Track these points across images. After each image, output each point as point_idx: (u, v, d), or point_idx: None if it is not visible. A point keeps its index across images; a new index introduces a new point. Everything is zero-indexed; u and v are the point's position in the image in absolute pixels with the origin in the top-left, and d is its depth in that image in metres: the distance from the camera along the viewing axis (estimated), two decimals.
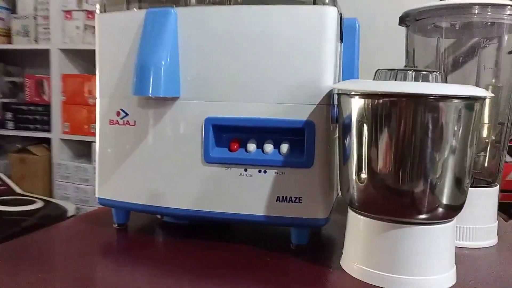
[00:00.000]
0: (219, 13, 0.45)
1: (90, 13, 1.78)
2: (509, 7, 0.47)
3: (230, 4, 0.45)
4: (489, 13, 0.48)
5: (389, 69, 0.41)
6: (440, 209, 0.38)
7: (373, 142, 0.39)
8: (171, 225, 0.54)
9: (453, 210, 0.39)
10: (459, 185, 0.38)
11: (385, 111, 0.38)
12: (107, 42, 0.49)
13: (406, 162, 0.38)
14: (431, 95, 0.36)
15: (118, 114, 0.49)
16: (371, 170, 0.40)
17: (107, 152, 0.50)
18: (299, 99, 0.44)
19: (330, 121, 0.45)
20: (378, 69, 0.42)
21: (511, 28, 0.49)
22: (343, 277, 0.41)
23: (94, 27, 1.85)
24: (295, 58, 0.44)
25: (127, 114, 0.49)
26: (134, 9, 0.48)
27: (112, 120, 0.49)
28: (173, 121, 0.47)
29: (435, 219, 0.38)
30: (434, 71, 0.38)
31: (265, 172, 0.45)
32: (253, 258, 0.45)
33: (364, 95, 0.39)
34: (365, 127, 0.39)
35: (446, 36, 0.51)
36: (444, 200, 0.38)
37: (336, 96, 0.45)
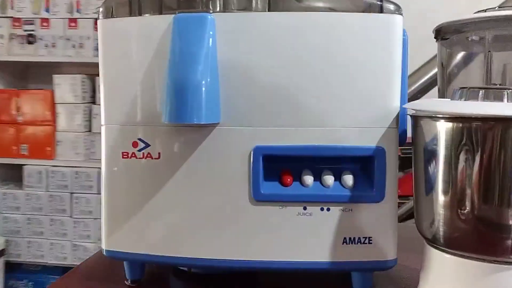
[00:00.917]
0: (269, 21, 0.37)
1: (17, 20, 1.58)
2: None
3: (282, 10, 0.37)
4: None
5: (478, 87, 0.36)
6: None
7: (468, 171, 0.34)
8: (192, 276, 0.45)
9: None
10: None
11: (485, 136, 0.33)
12: (116, 56, 0.39)
13: (509, 193, 0.33)
14: None
15: (135, 145, 0.39)
16: (465, 203, 0.34)
17: (120, 192, 0.40)
18: (365, 122, 0.38)
19: (398, 146, 0.39)
20: (462, 87, 0.37)
21: None
22: None
23: (21, 36, 1.65)
24: (360, 74, 0.37)
25: (147, 145, 0.39)
26: (152, 14, 0.39)
27: (127, 153, 0.39)
28: (211, 152, 0.38)
29: None
30: None
31: (328, 209, 0.38)
32: None
33: (457, 118, 0.34)
34: (458, 154, 0.34)
35: (489, 49, 0.48)
36: None
37: (410, 118, 0.39)
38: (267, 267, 0.38)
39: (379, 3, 0.37)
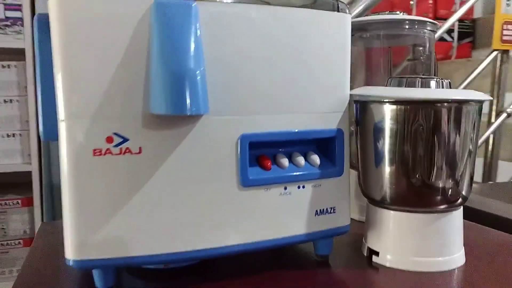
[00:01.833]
0: (248, 12, 0.38)
1: None
2: (428, 23, 0.57)
3: (252, 2, 0.38)
4: (415, 26, 0.57)
5: (401, 77, 0.45)
6: (460, 199, 0.44)
7: (406, 144, 0.43)
8: (154, 272, 0.43)
9: (465, 199, 0.46)
10: (471, 179, 0.45)
11: (417, 115, 0.42)
12: (81, 41, 0.34)
13: (436, 161, 0.43)
14: (464, 100, 0.42)
15: (109, 140, 0.35)
16: (407, 169, 0.43)
17: (92, 194, 0.35)
18: (326, 108, 0.43)
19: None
20: (390, 77, 0.45)
21: (417, 39, 0.60)
22: (388, 270, 0.43)
23: None
24: (321, 67, 0.42)
25: (125, 140, 0.36)
26: None
27: (99, 150, 0.35)
28: (196, 143, 0.37)
29: (455, 207, 0.45)
30: (442, 79, 0.44)
31: (303, 187, 0.42)
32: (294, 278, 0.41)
33: (398, 101, 0.42)
34: (398, 131, 0.42)
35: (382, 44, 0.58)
36: (464, 192, 0.44)
37: (355, 103, 0.46)
38: (258, 247, 0.40)
39: (335, 2, 0.42)
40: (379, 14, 0.57)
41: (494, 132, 1.24)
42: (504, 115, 1.22)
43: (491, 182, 1.27)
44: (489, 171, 1.29)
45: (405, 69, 0.62)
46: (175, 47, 0.34)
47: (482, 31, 2.03)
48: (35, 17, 0.40)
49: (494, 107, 1.25)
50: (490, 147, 1.28)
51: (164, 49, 0.34)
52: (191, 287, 0.40)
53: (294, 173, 0.41)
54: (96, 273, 0.38)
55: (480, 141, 1.23)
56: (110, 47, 0.35)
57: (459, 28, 1.98)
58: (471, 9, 1.55)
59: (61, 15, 0.34)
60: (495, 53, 1.21)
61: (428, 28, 0.58)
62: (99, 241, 0.36)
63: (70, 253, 0.36)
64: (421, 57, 0.61)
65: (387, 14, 0.56)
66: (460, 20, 1.77)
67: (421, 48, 0.58)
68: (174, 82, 0.33)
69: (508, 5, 1.17)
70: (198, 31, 0.35)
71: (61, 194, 0.36)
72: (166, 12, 0.34)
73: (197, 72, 0.34)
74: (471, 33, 2.06)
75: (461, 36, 2.01)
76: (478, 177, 1.35)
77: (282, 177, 0.41)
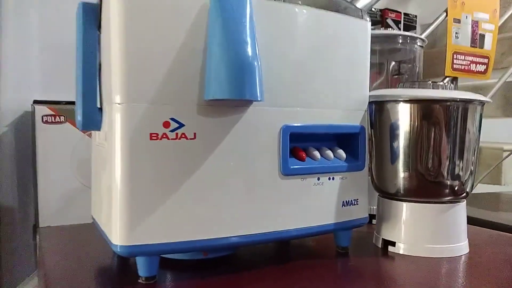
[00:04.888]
0: (294, 12, 0.41)
1: None
2: (418, 39, 0.64)
3: (301, 4, 0.42)
4: (408, 41, 0.63)
5: (413, 81, 0.50)
6: (466, 192, 0.49)
7: (419, 141, 0.47)
8: (188, 263, 0.43)
9: (468, 193, 0.50)
10: (473, 175, 0.50)
11: (430, 113, 0.46)
12: (143, 28, 0.35)
13: (445, 156, 0.47)
14: (470, 99, 0.47)
15: (166, 125, 0.36)
16: (420, 164, 0.47)
17: (146, 179, 0.36)
18: (353, 105, 0.46)
19: None
20: (401, 82, 0.50)
21: (410, 53, 0.67)
22: (403, 257, 0.47)
23: None
24: (348, 66, 0.46)
25: (181, 125, 0.37)
26: None
27: (156, 134, 0.36)
28: (244, 131, 0.39)
29: (460, 199, 0.49)
30: (448, 83, 0.50)
31: (333, 179, 0.45)
32: (321, 271, 0.44)
33: (413, 101, 0.47)
34: (412, 129, 0.47)
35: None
36: (468, 187, 0.49)
37: (371, 104, 0.49)
38: (294, 235, 0.42)
39: (360, 11, 0.46)
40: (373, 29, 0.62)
41: None
42: None
43: None
44: None
45: (392, 82, 0.68)
46: (236, 37, 0.36)
47: (424, 64, 2.21)
48: (80, 5, 0.41)
49: None
50: None
51: (226, 39, 0.36)
52: (219, 277, 0.41)
53: (325, 165, 0.44)
54: (140, 261, 0.38)
55: None
56: (170, 35, 0.36)
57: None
58: None
59: (125, 2, 0.35)
60: (446, 79, 1.34)
61: (419, 43, 0.64)
62: (148, 226, 0.36)
63: (118, 239, 0.36)
64: (407, 72, 0.67)
65: (382, 29, 0.62)
66: None
67: (408, 64, 0.65)
68: (236, 69, 0.35)
69: (457, 37, 1.30)
70: (253, 22, 0.38)
71: (109, 180, 0.36)
72: (225, 5, 0.37)
73: (255, 61, 0.36)
74: None
75: None
76: None
77: (316, 167, 0.43)
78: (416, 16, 2.26)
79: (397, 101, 0.47)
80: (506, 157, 1.21)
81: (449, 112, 0.46)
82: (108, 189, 0.38)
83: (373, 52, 0.64)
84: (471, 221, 0.69)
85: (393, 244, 0.49)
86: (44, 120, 1.18)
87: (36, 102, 1.18)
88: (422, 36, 0.72)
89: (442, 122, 0.46)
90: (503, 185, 1.37)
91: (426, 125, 0.47)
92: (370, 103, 0.49)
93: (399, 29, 2.22)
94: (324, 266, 0.44)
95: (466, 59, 1.35)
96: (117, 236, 0.36)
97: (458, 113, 0.47)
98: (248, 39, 0.36)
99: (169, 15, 0.36)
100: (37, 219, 1.20)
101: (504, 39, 1.84)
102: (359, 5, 0.67)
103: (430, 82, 0.48)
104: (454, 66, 1.32)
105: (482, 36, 1.38)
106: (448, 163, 0.47)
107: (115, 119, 0.36)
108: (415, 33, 1.71)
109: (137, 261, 0.38)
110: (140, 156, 0.36)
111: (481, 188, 1.43)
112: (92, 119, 0.41)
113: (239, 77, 0.35)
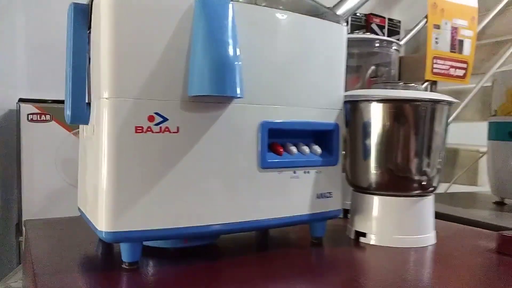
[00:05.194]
0: (273, 16, 0.44)
1: None
2: (394, 43, 0.67)
3: (280, 9, 0.45)
4: (384, 45, 0.67)
5: (385, 82, 0.53)
6: (433, 187, 0.53)
7: (390, 138, 0.50)
8: (169, 251, 0.46)
9: (435, 187, 0.54)
10: (440, 171, 0.54)
11: (400, 112, 0.50)
12: (131, 28, 0.38)
13: (414, 152, 0.51)
14: (438, 99, 0.50)
15: (151, 119, 0.39)
16: (390, 160, 0.50)
17: (131, 169, 0.38)
18: (328, 104, 0.49)
19: None
20: (375, 83, 0.53)
21: (386, 57, 0.70)
22: (373, 247, 0.50)
23: None
24: (324, 67, 0.49)
25: (165, 119, 0.39)
26: None
27: (141, 127, 0.38)
28: (225, 126, 0.42)
29: (428, 193, 0.53)
30: (418, 84, 0.53)
31: (308, 172, 0.47)
32: (296, 260, 0.47)
33: (385, 100, 0.50)
34: (383, 126, 0.50)
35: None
36: (435, 182, 0.53)
37: (346, 104, 0.52)
38: (271, 224, 0.45)
39: (336, 15, 0.49)
40: (352, 33, 0.65)
41: None
42: None
43: None
44: None
45: (369, 84, 0.72)
46: (218, 38, 0.39)
47: (406, 68, 2.27)
48: (71, 6, 0.43)
49: None
50: None
51: (209, 40, 0.39)
52: (200, 264, 0.43)
53: (301, 159, 0.47)
54: (124, 247, 0.40)
55: None
56: (156, 35, 0.39)
57: None
58: None
59: (115, 5, 0.37)
60: (426, 83, 1.38)
61: (394, 47, 0.67)
62: (132, 214, 0.38)
63: (104, 226, 0.38)
64: (384, 75, 0.71)
65: (360, 33, 0.65)
66: None
67: (385, 67, 0.68)
68: (218, 68, 0.38)
69: (437, 42, 1.35)
70: (235, 25, 0.40)
71: (96, 171, 0.39)
72: (209, 7, 0.39)
73: (236, 61, 0.39)
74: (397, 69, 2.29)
75: None
76: None
77: (292, 161, 0.46)
78: (400, 22, 2.32)
79: (369, 101, 0.50)
80: (479, 158, 1.26)
81: (418, 112, 0.50)
82: (95, 179, 0.40)
83: (352, 55, 0.68)
84: (443, 216, 0.73)
85: (364, 235, 0.52)
86: (29, 119, 1.19)
87: (21, 100, 1.19)
88: (402, 42, 0.75)
89: (411, 121, 0.50)
90: (479, 186, 1.42)
91: (396, 124, 0.50)
92: (345, 102, 0.52)
93: (383, 34, 2.27)
94: (299, 255, 0.47)
95: (445, 63, 1.40)
96: (103, 222, 0.38)
97: (426, 113, 0.50)
98: (230, 40, 0.39)
99: (156, 16, 0.39)
100: (20, 217, 1.21)
101: (484, 46, 1.90)
102: (340, 11, 0.70)
103: (402, 83, 0.51)
104: (434, 70, 1.36)
105: (461, 42, 1.43)
106: (416, 159, 0.50)
107: (103, 113, 0.38)
108: (399, 38, 1.76)
109: (121, 247, 0.40)
110: (126, 148, 0.38)
111: (458, 188, 1.48)
112: (81, 114, 0.43)
113: (221, 75, 0.38)
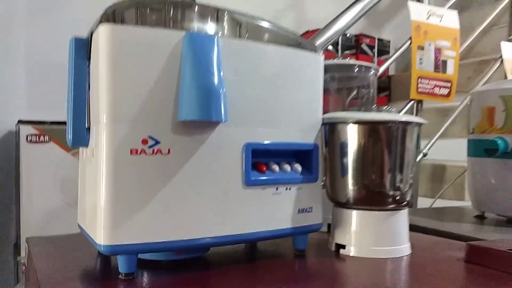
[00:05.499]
0: (253, 48, 0.49)
1: None
2: (373, 68, 0.72)
3: (260, 42, 0.50)
4: (363, 70, 0.72)
5: (360, 106, 0.58)
6: (406, 201, 0.57)
7: (365, 157, 0.55)
8: (162, 263, 0.50)
9: (409, 202, 0.58)
10: (412, 187, 0.58)
11: (374, 133, 0.54)
12: (127, 61, 0.43)
13: (388, 170, 0.55)
14: (408, 121, 0.55)
15: (144, 142, 0.43)
16: (366, 177, 0.55)
17: (127, 188, 0.43)
18: (308, 126, 0.54)
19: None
20: (351, 107, 0.58)
21: (364, 80, 0.75)
22: (352, 258, 0.54)
23: None
24: (303, 93, 0.53)
25: (157, 142, 0.44)
26: (156, 27, 0.44)
27: (136, 150, 0.43)
28: (214, 147, 0.46)
29: (402, 207, 0.57)
30: (391, 107, 0.58)
31: (290, 189, 0.52)
32: (277, 270, 0.50)
33: (360, 122, 0.54)
34: (358, 146, 0.55)
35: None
36: (408, 197, 0.57)
37: (325, 126, 0.57)
38: (256, 237, 0.49)
39: (313, 46, 0.54)
40: (333, 60, 0.71)
41: None
42: (420, 155, 1.43)
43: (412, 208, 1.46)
44: (411, 205, 1.47)
45: (350, 105, 0.76)
46: (204, 70, 0.44)
47: (396, 86, 2.33)
48: (73, 40, 0.48)
49: None
50: None
51: (196, 70, 0.43)
52: (190, 275, 0.47)
53: (283, 177, 0.51)
54: (121, 259, 0.44)
55: None
56: (149, 66, 0.43)
57: (377, 83, 2.26)
58: (386, 68, 1.81)
59: (112, 41, 0.42)
60: (411, 102, 1.44)
61: (373, 71, 0.72)
62: (129, 228, 0.42)
63: (102, 239, 0.42)
64: (364, 96, 0.76)
65: (340, 59, 0.71)
66: (378, 76, 2.04)
67: (364, 89, 0.73)
68: (204, 95, 0.43)
69: (421, 63, 1.41)
70: (219, 58, 0.45)
71: (95, 189, 0.43)
72: (196, 42, 0.44)
73: (220, 89, 0.44)
74: (387, 88, 2.35)
75: (379, 90, 2.29)
76: None
77: (274, 179, 0.50)
78: (389, 41, 2.39)
79: (346, 123, 0.55)
80: (461, 174, 1.30)
81: (390, 132, 0.54)
82: (94, 197, 0.44)
83: (333, 79, 0.73)
84: (423, 230, 0.77)
85: (344, 247, 0.56)
86: (28, 140, 1.23)
87: (20, 122, 1.23)
88: (381, 68, 0.80)
89: (384, 141, 0.54)
90: (466, 201, 1.46)
91: (370, 144, 0.54)
92: (324, 124, 0.57)
93: (373, 53, 2.34)
94: (283, 266, 0.51)
95: (430, 83, 1.45)
96: (101, 237, 0.42)
97: (398, 133, 0.55)
98: (215, 71, 0.44)
99: (149, 50, 0.43)
100: (18, 237, 1.24)
101: (470, 64, 1.96)
102: (318, 41, 0.75)
103: (375, 106, 0.56)
104: (419, 89, 1.42)
105: (445, 62, 1.49)
106: (389, 175, 0.55)
107: (101, 136, 0.43)
108: (388, 57, 1.81)
109: (118, 259, 0.44)
110: (122, 169, 0.42)
111: (447, 203, 1.52)
112: (81, 138, 0.47)
113: (207, 102, 0.43)
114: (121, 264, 0.44)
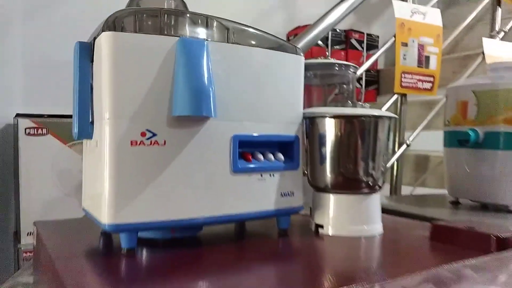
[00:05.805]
0: (239, 50, 0.55)
1: None
2: (351, 66, 0.78)
3: (241, 44, 0.56)
4: (343, 68, 0.78)
5: (336, 101, 0.64)
6: (378, 186, 0.64)
7: (341, 147, 0.61)
8: (159, 241, 0.56)
9: (380, 187, 0.65)
10: (385, 173, 0.65)
11: (348, 126, 0.61)
12: (127, 63, 0.48)
13: (361, 159, 0.62)
14: (380, 115, 0.61)
15: (143, 134, 0.49)
16: (342, 164, 0.61)
17: (128, 174, 0.49)
18: (290, 119, 0.60)
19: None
20: (336, 101, 0.64)
21: (344, 78, 0.81)
22: (330, 237, 0.60)
23: None
24: (284, 90, 0.59)
25: (154, 135, 0.50)
26: (153, 33, 0.50)
27: (135, 141, 0.49)
28: (204, 139, 0.52)
29: (374, 191, 0.64)
30: (364, 103, 0.64)
31: (273, 175, 0.58)
32: (263, 247, 0.57)
33: (336, 116, 0.61)
34: (335, 138, 0.61)
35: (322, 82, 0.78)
36: (380, 182, 0.64)
37: (306, 119, 0.63)
38: (243, 217, 0.55)
39: (294, 48, 0.60)
40: (316, 59, 0.77)
41: (397, 160, 1.51)
42: (404, 146, 1.50)
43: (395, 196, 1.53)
44: (395, 193, 1.54)
45: (334, 100, 0.83)
46: (195, 71, 0.49)
47: (385, 80, 2.40)
48: (77, 44, 0.53)
49: (396, 140, 1.52)
50: (395, 173, 1.55)
51: (188, 71, 0.49)
52: (185, 252, 0.53)
53: (267, 165, 0.57)
54: (123, 236, 0.50)
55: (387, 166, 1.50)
56: (146, 69, 0.49)
57: (366, 77, 2.32)
58: (375, 62, 1.87)
59: (113, 46, 0.48)
60: (395, 96, 1.50)
61: (351, 70, 0.79)
62: (130, 209, 0.49)
63: (107, 219, 0.48)
64: (345, 92, 0.82)
65: (322, 59, 0.77)
66: (367, 70, 2.10)
67: (345, 85, 0.79)
68: (195, 94, 0.49)
69: (404, 58, 1.47)
70: (208, 60, 0.51)
71: (100, 176, 0.49)
72: (188, 46, 0.50)
73: (210, 87, 0.50)
74: (376, 81, 2.41)
75: (368, 83, 2.35)
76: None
77: (259, 167, 0.57)
78: (378, 37, 2.45)
79: (324, 117, 0.61)
80: (439, 163, 1.37)
81: (363, 125, 0.61)
82: (99, 182, 0.50)
83: (316, 76, 0.79)
84: (400, 214, 0.84)
85: (322, 227, 0.62)
86: (27, 132, 1.28)
87: (19, 115, 1.28)
88: (359, 70, 0.85)
89: (358, 133, 0.60)
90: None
91: (346, 135, 0.61)
92: (305, 118, 0.63)
93: (363, 48, 2.39)
94: (268, 243, 0.57)
95: (413, 77, 1.52)
96: (106, 216, 0.48)
97: (370, 126, 0.61)
98: (205, 72, 0.50)
99: (146, 53, 0.49)
100: (18, 226, 1.29)
101: (455, 59, 2.03)
102: (300, 43, 0.81)
103: (349, 103, 0.62)
104: (403, 84, 1.49)
105: (428, 58, 1.55)
106: (363, 164, 0.61)
107: (104, 130, 0.48)
108: (376, 52, 1.88)
109: (120, 236, 0.50)
110: (123, 158, 0.48)
111: (429, 191, 1.60)
112: (86, 131, 0.53)
113: (198, 99, 0.49)
114: (123, 240, 0.50)
